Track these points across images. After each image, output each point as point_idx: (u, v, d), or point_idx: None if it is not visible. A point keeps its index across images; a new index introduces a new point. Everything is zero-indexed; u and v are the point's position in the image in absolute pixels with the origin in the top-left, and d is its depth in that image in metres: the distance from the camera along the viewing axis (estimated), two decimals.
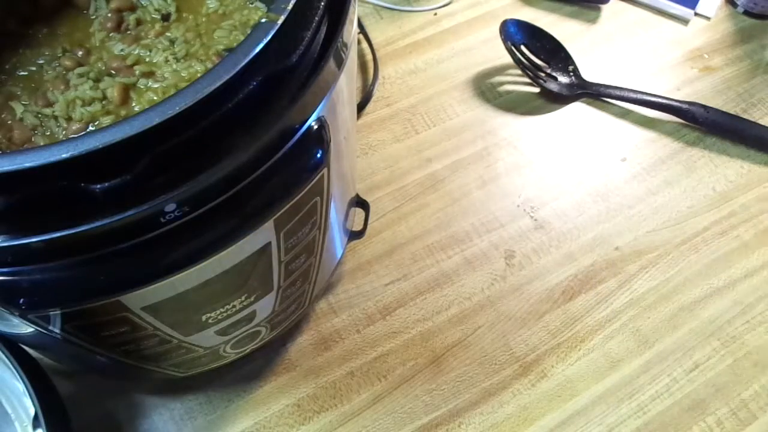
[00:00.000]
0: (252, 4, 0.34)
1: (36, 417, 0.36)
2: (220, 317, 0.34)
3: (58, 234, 0.23)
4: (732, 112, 0.60)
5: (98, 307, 0.27)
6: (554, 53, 0.62)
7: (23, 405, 0.40)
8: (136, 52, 0.33)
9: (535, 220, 0.54)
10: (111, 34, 0.33)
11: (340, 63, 0.29)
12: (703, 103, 0.59)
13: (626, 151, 0.58)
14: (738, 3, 0.67)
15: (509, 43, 0.60)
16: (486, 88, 0.62)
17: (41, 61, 0.33)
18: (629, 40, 0.65)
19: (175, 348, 0.36)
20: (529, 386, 0.47)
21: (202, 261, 0.27)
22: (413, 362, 0.48)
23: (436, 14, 0.66)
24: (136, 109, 0.31)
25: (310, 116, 0.28)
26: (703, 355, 0.49)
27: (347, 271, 0.51)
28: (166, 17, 0.34)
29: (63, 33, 0.34)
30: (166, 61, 0.32)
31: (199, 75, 0.29)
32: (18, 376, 0.37)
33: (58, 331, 0.28)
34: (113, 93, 0.31)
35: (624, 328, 0.50)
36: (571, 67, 0.61)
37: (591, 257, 0.53)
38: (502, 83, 0.62)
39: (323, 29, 0.28)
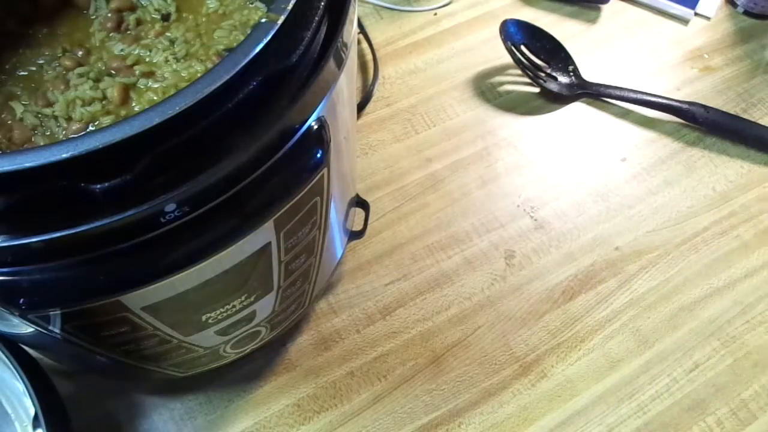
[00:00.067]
0: (252, 4, 0.34)
1: (36, 417, 0.36)
2: (220, 317, 0.34)
3: (58, 234, 0.23)
4: (732, 112, 0.60)
5: (98, 307, 0.27)
6: (554, 53, 0.62)
7: (23, 405, 0.40)
8: (136, 52, 0.33)
9: (535, 220, 0.54)
10: (111, 34, 0.33)
11: (340, 63, 0.29)
12: (703, 103, 0.59)
13: (626, 151, 0.58)
14: (738, 3, 0.67)
15: (509, 43, 0.60)
16: (486, 88, 0.62)
17: (41, 61, 0.33)
18: (629, 40, 0.65)
19: (175, 348, 0.36)
20: (529, 386, 0.47)
21: (202, 261, 0.27)
22: (413, 362, 0.48)
23: (436, 14, 0.66)
24: (136, 109, 0.31)
25: (310, 116, 0.28)
26: (703, 355, 0.49)
27: (347, 271, 0.51)
28: (166, 17, 0.34)
29: (63, 33, 0.34)
30: (166, 61, 0.32)
31: (199, 75, 0.29)
32: (18, 376, 0.37)
33: (58, 331, 0.28)
34: (113, 93, 0.31)
35: (624, 328, 0.50)
36: (571, 67, 0.61)
37: (591, 257, 0.53)
38: (502, 83, 0.62)
39: (323, 29, 0.28)
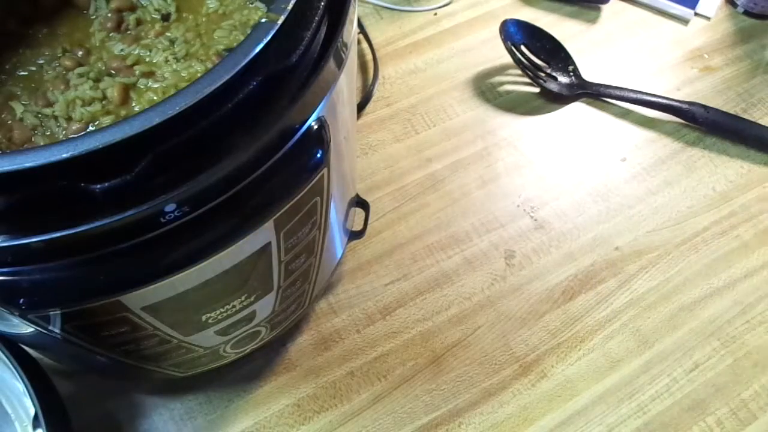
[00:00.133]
0: (252, 4, 0.34)
1: (36, 417, 0.36)
2: (220, 317, 0.34)
3: (58, 234, 0.23)
4: (732, 112, 0.60)
5: (98, 307, 0.27)
6: (554, 53, 0.62)
7: (23, 405, 0.40)
8: (136, 52, 0.33)
9: (535, 220, 0.54)
10: (111, 34, 0.33)
11: (340, 63, 0.29)
12: (703, 103, 0.59)
13: (626, 151, 0.58)
14: (738, 3, 0.67)
15: (509, 43, 0.60)
16: (486, 88, 0.62)
17: (41, 61, 0.33)
18: (629, 40, 0.65)
19: (175, 348, 0.36)
20: (529, 386, 0.47)
21: (202, 261, 0.27)
22: (413, 362, 0.48)
23: (436, 14, 0.66)
24: (136, 109, 0.31)
25: (310, 116, 0.28)
26: (703, 355, 0.49)
27: (347, 271, 0.51)
28: (166, 17, 0.34)
29: (63, 33, 0.34)
30: (166, 61, 0.32)
31: (199, 75, 0.29)
32: (18, 376, 0.37)
33: (58, 331, 0.28)
34: (113, 93, 0.31)
35: (624, 328, 0.50)
36: (571, 67, 0.61)
37: (591, 257, 0.53)
38: (502, 83, 0.62)
39: (323, 29, 0.28)
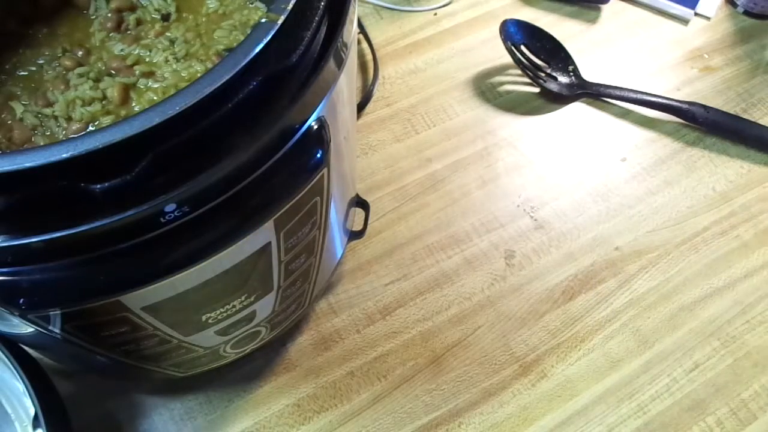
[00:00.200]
0: (252, 4, 0.34)
1: (36, 417, 0.36)
2: (220, 317, 0.34)
3: (58, 234, 0.23)
4: (732, 112, 0.60)
5: (98, 307, 0.27)
6: (554, 53, 0.62)
7: (23, 405, 0.40)
8: (136, 52, 0.33)
9: (535, 220, 0.54)
10: (111, 34, 0.33)
11: (340, 63, 0.29)
12: (703, 103, 0.59)
13: (626, 151, 0.58)
14: (738, 3, 0.67)
15: (509, 43, 0.60)
16: (486, 88, 0.62)
17: (41, 61, 0.33)
18: (629, 40, 0.65)
19: (175, 348, 0.36)
20: (529, 386, 0.47)
21: (202, 261, 0.27)
22: (413, 362, 0.48)
23: (436, 14, 0.66)
24: (136, 109, 0.31)
25: (310, 116, 0.28)
26: (703, 355, 0.49)
27: (347, 271, 0.51)
28: (166, 17, 0.34)
29: (63, 33, 0.34)
30: (166, 61, 0.32)
31: (199, 75, 0.29)
32: (18, 376, 0.37)
33: (58, 331, 0.28)
34: (113, 93, 0.31)
35: (624, 328, 0.50)
36: (571, 67, 0.61)
37: (591, 257, 0.53)
38: (502, 83, 0.62)
39: (323, 29, 0.28)
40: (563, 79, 0.61)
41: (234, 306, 0.34)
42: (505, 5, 0.67)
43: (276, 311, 0.39)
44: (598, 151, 0.58)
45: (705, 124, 0.58)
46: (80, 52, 0.33)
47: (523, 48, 0.61)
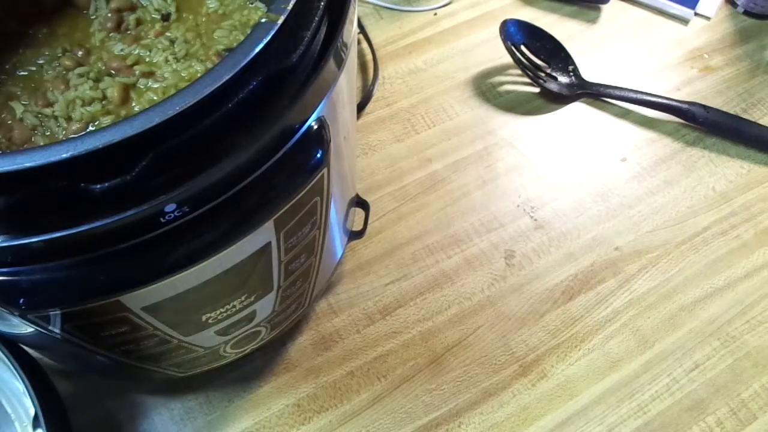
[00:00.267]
0: (252, 4, 0.34)
1: (36, 417, 0.36)
2: (220, 317, 0.34)
3: (58, 234, 0.23)
4: (732, 112, 0.60)
5: (98, 307, 0.27)
6: (554, 53, 0.62)
7: (23, 405, 0.40)
8: (136, 52, 0.33)
9: (535, 220, 0.54)
10: (111, 34, 0.34)
11: (340, 63, 0.29)
12: (703, 103, 0.59)
13: (626, 151, 0.58)
14: (738, 3, 0.67)
15: (509, 43, 0.60)
16: (486, 88, 0.62)
17: (41, 61, 0.33)
18: (629, 40, 0.65)
19: (175, 348, 0.36)
20: (529, 386, 0.47)
21: (202, 261, 0.27)
22: (413, 362, 0.48)
23: (436, 14, 0.66)
24: (136, 109, 0.31)
25: (310, 116, 0.28)
26: (703, 355, 0.49)
27: (347, 271, 0.51)
28: (166, 17, 0.34)
29: (63, 33, 0.34)
30: (166, 61, 0.32)
31: (199, 75, 0.29)
32: (18, 376, 0.37)
33: (58, 331, 0.28)
34: (113, 93, 0.31)
35: (624, 328, 0.50)
36: (571, 67, 0.61)
37: (591, 257, 0.53)
38: (502, 83, 0.62)
39: (323, 29, 0.28)
40: (563, 79, 0.61)
41: (234, 306, 0.34)
42: (505, 5, 0.67)
43: (276, 311, 0.39)
44: (598, 151, 0.58)
45: (705, 124, 0.58)
46: (80, 52, 0.33)
47: (523, 48, 0.61)
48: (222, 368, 0.44)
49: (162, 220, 0.24)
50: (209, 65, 0.32)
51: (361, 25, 0.64)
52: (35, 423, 0.36)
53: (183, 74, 0.32)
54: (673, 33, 0.66)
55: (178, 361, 0.39)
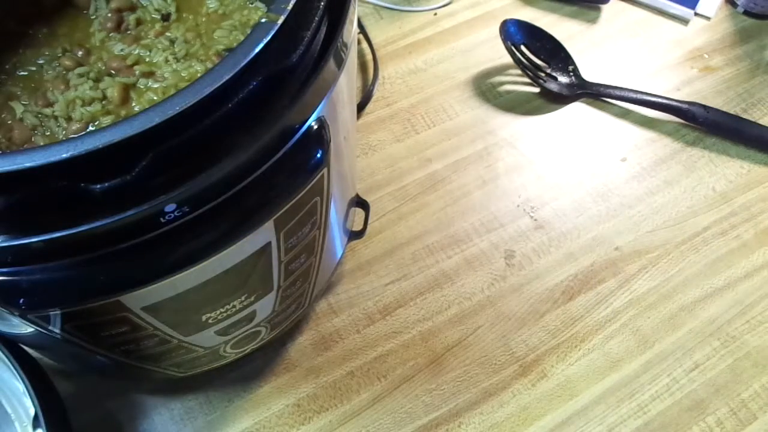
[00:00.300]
0: (252, 4, 0.34)
1: (36, 417, 0.36)
2: (220, 317, 0.34)
3: (58, 234, 0.23)
4: (732, 112, 0.60)
5: (98, 307, 0.27)
6: (554, 53, 0.62)
7: (23, 405, 0.40)
8: (136, 52, 0.33)
9: (535, 220, 0.54)
10: (111, 34, 0.34)
11: (340, 63, 0.29)
12: (703, 103, 0.59)
13: (626, 151, 0.58)
14: (738, 3, 0.67)
15: (509, 43, 0.60)
16: (486, 88, 0.62)
17: (41, 61, 0.33)
18: (629, 40, 0.65)
19: (175, 348, 0.36)
20: (529, 386, 0.47)
21: (202, 261, 0.27)
22: (413, 362, 0.48)
23: (436, 14, 0.66)
24: (136, 109, 0.31)
25: (310, 116, 0.28)
26: (703, 355, 0.49)
27: (347, 271, 0.51)
28: (166, 17, 0.34)
29: (63, 33, 0.34)
30: (166, 61, 0.32)
31: (199, 75, 0.29)
32: (18, 376, 0.37)
33: (58, 331, 0.28)
34: (113, 93, 0.31)
35: (624, 328, 0.50)
36: (571, 67, 0.61)
37: (591, 257, 0.53)
38: (502, 83, 0.62)
39: (323, 29, 0.28)
40: (563, 79, 0.61)
41: (234, 306, 0.34)
42: (505, 5, 0.67)
43: (276, 311, 0.39)
44: (598, 151, 0.58)
45: (705, 124, 0.58)
46: (80, 52, 0.33)
47: (523, 48, 0.61)
48: (222, 368, 0.44)
49: (162, 220, 0.24)
50: (209, 65, 0.32)
51: (361, 25, 0.64)
52: (35, 423, 0.36)
53: (183, 74, 0.32)
54: (673, 33, 0.66)
55: (178, 361, 0.39)
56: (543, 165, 0.57)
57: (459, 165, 0.57)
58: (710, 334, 0.49)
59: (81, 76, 0.31)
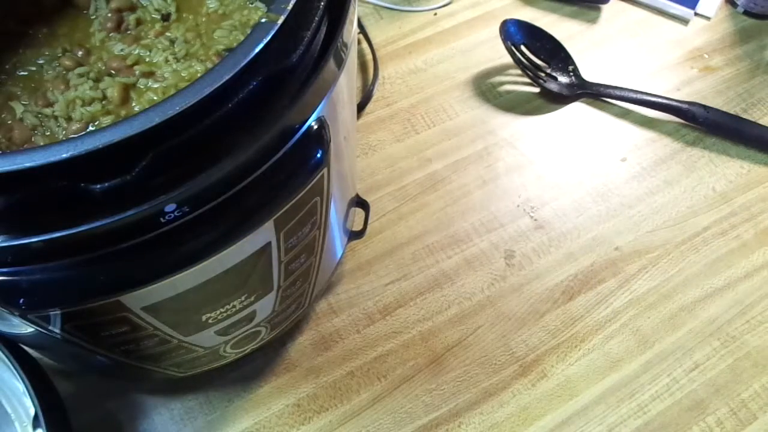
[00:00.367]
0: (252, 4, 0.34)
1: (36, 417, 0.36)
2: (220, 317, 0.34)
3: (58, 234, 0.23)
4: (732, 112, 0.60)
5: (98, 307, 0.27)
6: (554, 53, 0.62)
7: (23, 405, 0.40)
8: (136, 52, 0.33)
9: (535, 220, 0.54)
10: (111, 34, 0.34)
11: (340, 63, 0.29)
12: (703, 103, 0.59)
13: (626, 151, 0.58)
14: (738, 3, 0.67)
15: (509, 43, 0.60)
16: (486, 88, 0.62)
17: (41, 61, 0.33)
18: (629, 40, 0.65)
19: (175, 348, 0.36)
20: (529, 386, 0.47)
21: (202, 261, 0.27)
22: (413, 362, 0.48)
23: (436, 14, 0.66)
24: (136, 109, 0.31)
25: (310, 116, 0.28)
26: (703, 355, 0.49)
27: (347, 271, 0.51)
28: (166, 17, 0.34)
29: (63, 33, 0.34)
30: (166, 61, 0.32)
31: (199, 75, 0.29)
32: (18, 376, 0.37)
33: (58, 331, 0.28)
34: (113, 93, 0.31)
35: (624, 328, 0.50)
36: (571, 67, 0.61)
37: (591, 257, 0.53)
38: (502, 83, 0.62)
39: (323, 29, 0.28)
40: (563, 79, 0.61)
41: (234, 306, 0.34)
42: (505, 5, 0.67)
43: (276, 311, 0.39)
44: (598, 151, 0.58)
45: (705, 124, 0.58)
46: (80, 52, 0.33)
47: (523, 48, 0.61)
48: (222, 368, 0.44)
49: (162, 220, 0.24)
50: (209, 65, 0.32)
51: (361, 25, 0.64)
52: (35, 423, 0.36)
53: (183, 74, 0.32)
54: (673, 33, 0.66)
55: (178, 361, 0.39)
56: (543, 165, 0.57)
57: (459, 165, 0.57)
58: (710, 334, 0.49)
59: (81, 76, 0.31)
